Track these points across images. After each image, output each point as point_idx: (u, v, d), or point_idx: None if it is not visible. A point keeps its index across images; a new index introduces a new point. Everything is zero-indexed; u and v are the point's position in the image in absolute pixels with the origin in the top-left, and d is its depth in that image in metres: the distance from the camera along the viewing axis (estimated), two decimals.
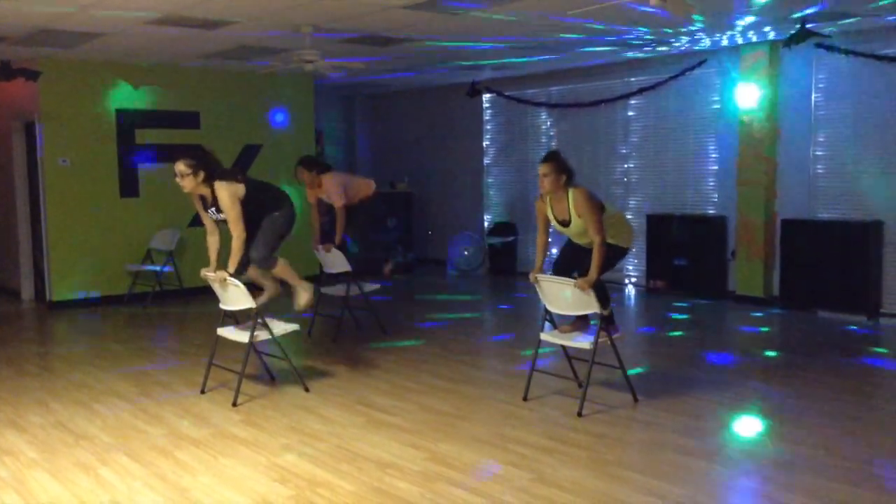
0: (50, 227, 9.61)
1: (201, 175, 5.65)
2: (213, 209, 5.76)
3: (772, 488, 4.15)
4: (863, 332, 7.88)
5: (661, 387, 5.90)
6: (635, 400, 5.51)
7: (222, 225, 5.79)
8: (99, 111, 9.86)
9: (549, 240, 5.79)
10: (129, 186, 10.13)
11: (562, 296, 5.32)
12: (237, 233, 5.60)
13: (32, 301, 10.35)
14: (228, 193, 5.60)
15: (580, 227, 5.35)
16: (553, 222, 5.52)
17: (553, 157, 5.40)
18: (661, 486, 4.17)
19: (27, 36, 7.87)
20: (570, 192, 5.34)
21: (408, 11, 7.00)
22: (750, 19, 7.52)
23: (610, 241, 5.33)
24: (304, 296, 5.79)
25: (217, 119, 10.74)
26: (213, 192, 5.65)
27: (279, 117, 11.29)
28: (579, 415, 5.27)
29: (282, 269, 5.74)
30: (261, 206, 5.76)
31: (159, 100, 10.29)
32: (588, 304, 5.19)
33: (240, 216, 5.60)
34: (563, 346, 5.72)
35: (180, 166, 5.66)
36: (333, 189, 7.59)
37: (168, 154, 10.31)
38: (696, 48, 9.47)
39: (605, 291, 5.33)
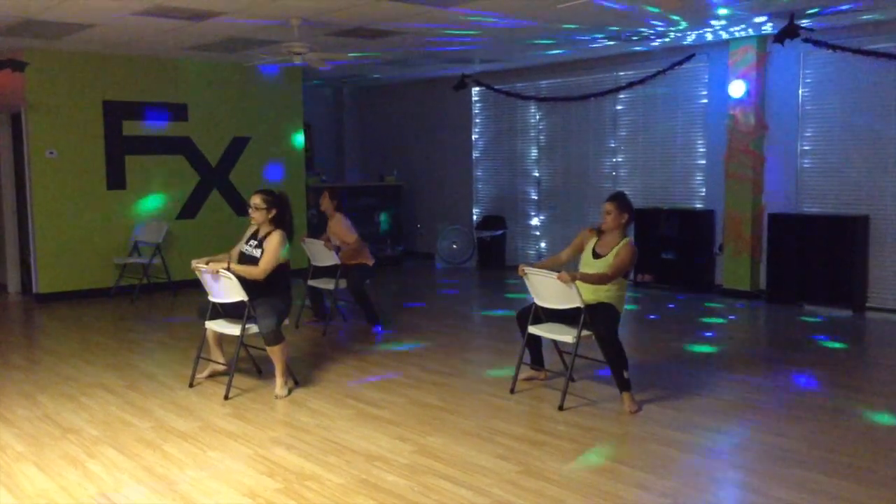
0: (37, 219, 9.56)
1: (273, 213, 5.80)
2: (254, 242, 5.82)
3: (758, 480, 4.18)
4: (849, 326, 7.94)
5: (648, 380, 5.93)
6: (621, 390, 5.53)
7: (244, 259, 5.79)
8: (86, 102, 9.80)
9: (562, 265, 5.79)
10: (116, 178, 10.08)
11: (549, 288, 5.34)
12: (259, 271, 5.61)
13: (19, 294, 10.30)
14: (280, 240, 5.70)
15: (605, 265, 5.36)
16: (587, 252, 5.55)
17: (619, 197, 5.56)
18: (647, 478, 4.19)
19: (13, 26, 7.81)
20: (624, 240, 5.45)
21: (397, 4, 6.99)
22: (724, 12, 7.54)
23: (616, 305, 5.39)
24: (282, 390, 5.75)
25: (205, 111, 10.70)
26: (268, 234, 5.76)
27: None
28: (560, 408, 5.29)
29: (281, 350, 5.72)
30: (275, 284, 5.76)
31: (147, 91, 10.23)
32: (571, 298, 5.21)
33: (271, 266, 5.64)
34: (552, 340, 5.73)
35: (256, 199, 5.82)
36: (344, 227, 7.74)
37: (155, 146, 10.33)
38: (685, 43, 9.50)
39: (622, 353, 5.31)
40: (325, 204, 7.93)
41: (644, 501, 3.91)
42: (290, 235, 5.88)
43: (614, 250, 5.42)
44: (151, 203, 10.33)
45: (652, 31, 8.61)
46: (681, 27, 8.36)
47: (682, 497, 3.97)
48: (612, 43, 9.37)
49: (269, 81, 11.25)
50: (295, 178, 11.57)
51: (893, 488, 4.05)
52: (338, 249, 7.59)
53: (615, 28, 8.36)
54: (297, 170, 11.65)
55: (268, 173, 11.26)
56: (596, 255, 5.49)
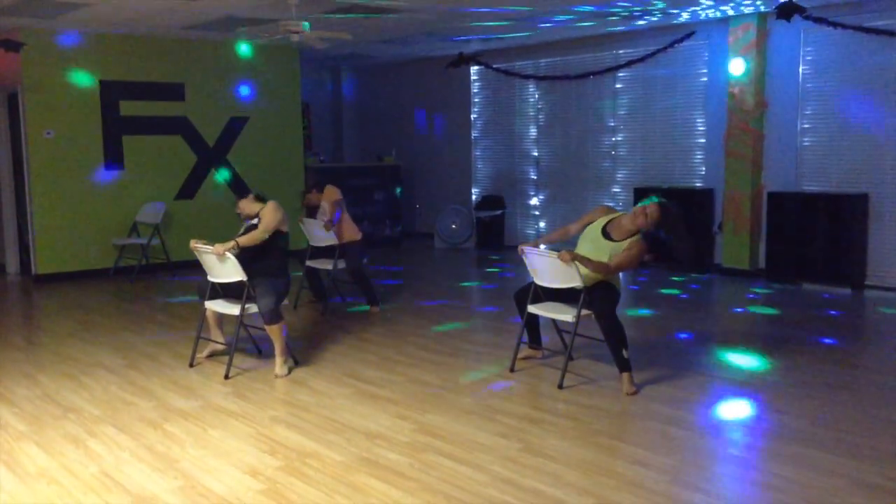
0: (35, 199, 9.54)
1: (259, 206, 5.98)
2: (256, 219, 5.93)
3: (757, 457, 4.21)
4: (847, 304, 7.95)
5: (647, 359, 5.94)
6: (620, 370, 5.54)
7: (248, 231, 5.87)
8: (83, 82, 9.74)
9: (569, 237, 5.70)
10: (113, 159, 10.04)
11: (549, 268, 5.34)
12: (259, 232, 5.71)
13: (18, 274, 10.29)
14: (274, 206, 5.86)
15: (608, 249, 5.21)
16: (596, 227, 5.34)
17: (666, 211, 5.20)
18: (646, 455, 4.21)
19: (10, 6, 7.75)
20: (640, 235, 5.22)
21: None
22: None
23: (615, 284, 5.37)
24: (282, 369, 5.76)
25: (202, 91, 10.64)
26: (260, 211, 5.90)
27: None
28: (560, 387, 5.31)
29: (280, 329, 5.72)
30: (274, 263, 5.81)
31: (144, 71, 10.18)
32: (571, 277, 5.20)
33: (272, 226, 5.75)
34: (551, 319, 5.73)
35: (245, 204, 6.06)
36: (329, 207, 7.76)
37: (153, 126, 10.28)
38: (685, 20, 9.44)
39: (622, 332, 5.27)
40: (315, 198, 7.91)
41: (643, 478, 3.93)
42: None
43: (628, 242, 5.18)
44: (149, 183, 10.29)
45: (645, 9, 8.54)
46: (679, 4, 8.30)
47: (681, 474, 3.99)
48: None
49: (267, 61, 11.17)
50: (293, 159, 11.53)
51: (893, 465, 4.06)
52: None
53: (617, 7, 8.31)
54: (296, 150, 11.60)
55: (265, 154, 11.24)
56: (606, 235, 5.28)
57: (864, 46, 8.37)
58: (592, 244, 5.30)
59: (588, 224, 5.42)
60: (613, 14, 8.84)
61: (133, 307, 8.32)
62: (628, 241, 5.21)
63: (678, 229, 5.29)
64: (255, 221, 5.92)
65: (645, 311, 7.78)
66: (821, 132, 8.87)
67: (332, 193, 7.77)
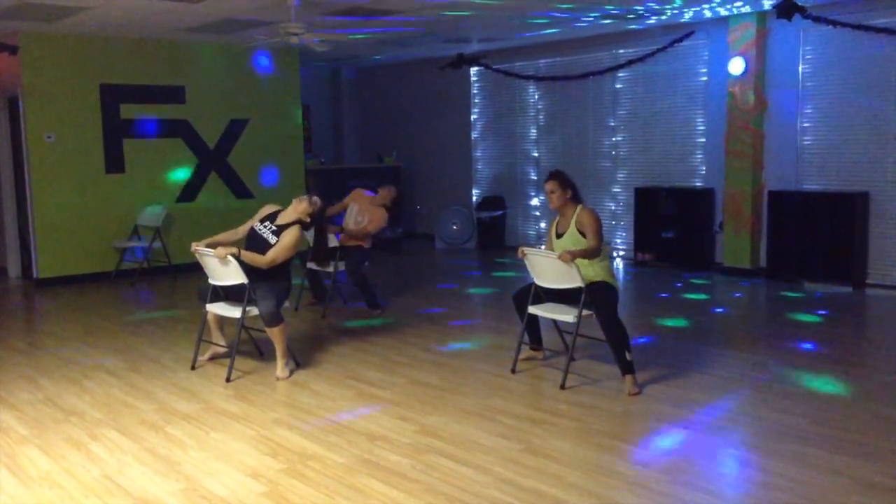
0: (36, 203, 9.54)
1: (306, 220, 5.91)
2: (269, 224, 5.85)
3: (759, 456, 4.20)
4: (848, 303, 7.95)
5: (648, 358, 5.94)
6: (623, 373, 5.54)
7: (255, 240, 5.83)
8: (83, 85, 9.75)
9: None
10: (114, 162, 10.05)
11: (549, 268, 5.34)
12: (265, 262, 5.64)
13: (20, 278, 10.30)
14: (295, 239, 5.73)
15: (573, 239, 5.35)
16: (552, 236, 5.59)
17: (557, 175, 5.54)
18: (648, 455, 4.21)
19: (9, 9, 7.75)
20: (578, 208, 5.45)
21: None
22: None
23: (610, 280, 5.37)
24: (283, 371, 5.76)
25: (202, 93, 10.65)
26: (288, 226, 5.80)
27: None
28: (562, 387, 5.31)
29: (281, 331, 5.72)
30: (276, 267, 5.78)
31: (144, 74, 10.18)
32: (572, 278, 5.21)
33: (279, 261, 5.69)
34: (552, 320, 5.73)
35: (305, 204, 5.91)
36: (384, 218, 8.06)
37: (153, 129, 10.29)
38: (684, 20, 9.44)
39: (625, 333, 5.29)
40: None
41: (645, 478, 3.93)
42: (306, 227, 5.94)
43: (573, 221, 5.41)
44: (150, 187, 10.30)
45: (647, 10, 8.54)
46: (676, 3, 8.29)
47: (682, 474, 3.99)
48: (608, 21, 9.32)
49: (267, 63, 11.17)
50: (294, 161, 11.54)
51: (893, 463, 4.06)
52: (339, 232, 7.64)
53: (610, 7, 8.30)
54: (296, 152, 11.61)
55: (266, 158, 11.24)
56: (559, 235, 5.50)
57: (863, 45, 8.37)
58: (559, 246, 5.44)
59: (550, 242, 5.63)
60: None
61: (134, 310, 8.33)
62: (573, 220, 5.42)
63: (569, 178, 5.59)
64: (270, 231, 5.80)
65: (645, 310, 7.78)
66: (821, 131, 8.87)
67: (380, 218, 7.90)
